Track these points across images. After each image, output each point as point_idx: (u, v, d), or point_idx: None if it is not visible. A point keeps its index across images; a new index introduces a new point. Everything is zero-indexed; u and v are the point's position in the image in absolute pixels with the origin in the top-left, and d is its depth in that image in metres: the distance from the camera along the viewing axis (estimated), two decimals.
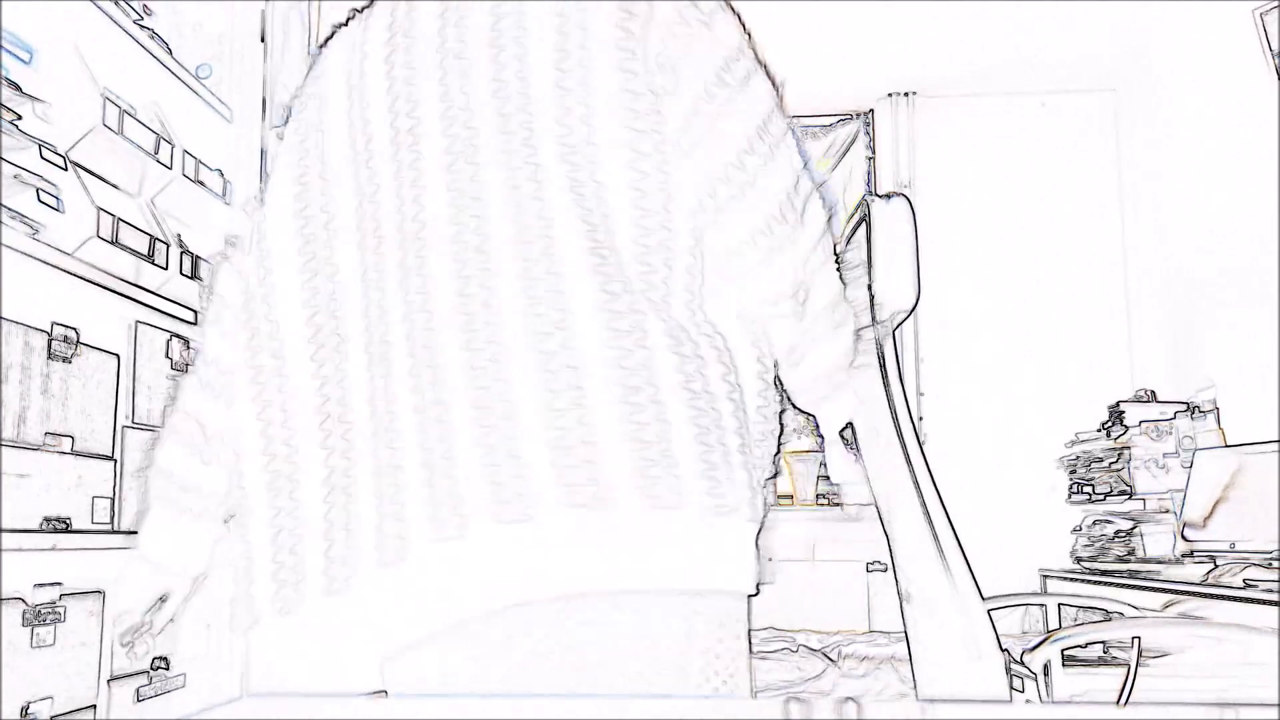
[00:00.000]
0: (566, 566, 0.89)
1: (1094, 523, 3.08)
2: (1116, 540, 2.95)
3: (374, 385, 0.95)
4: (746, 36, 1.03)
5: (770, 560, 0.96)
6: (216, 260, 1.14)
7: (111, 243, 1.73)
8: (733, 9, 1.04)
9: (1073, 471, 3.31)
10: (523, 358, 0.91)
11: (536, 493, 0.88)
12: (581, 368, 0.90)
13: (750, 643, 0.98)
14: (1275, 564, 2.23)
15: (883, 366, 1.42)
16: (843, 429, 1.20)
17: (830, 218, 1.06)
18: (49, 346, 1.60)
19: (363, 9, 1.08)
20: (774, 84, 1.04)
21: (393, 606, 0.91)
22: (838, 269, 1.08)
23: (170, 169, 1.93)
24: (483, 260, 0.93)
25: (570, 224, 0.93)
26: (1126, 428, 3.05)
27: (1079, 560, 3.10)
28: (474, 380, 0.91)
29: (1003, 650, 1.47)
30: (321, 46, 1.13)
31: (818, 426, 1.17)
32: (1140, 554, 2.87)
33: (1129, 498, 3.02)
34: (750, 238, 1.00)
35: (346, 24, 1.09)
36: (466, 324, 0.92)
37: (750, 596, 0.97)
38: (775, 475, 1.04)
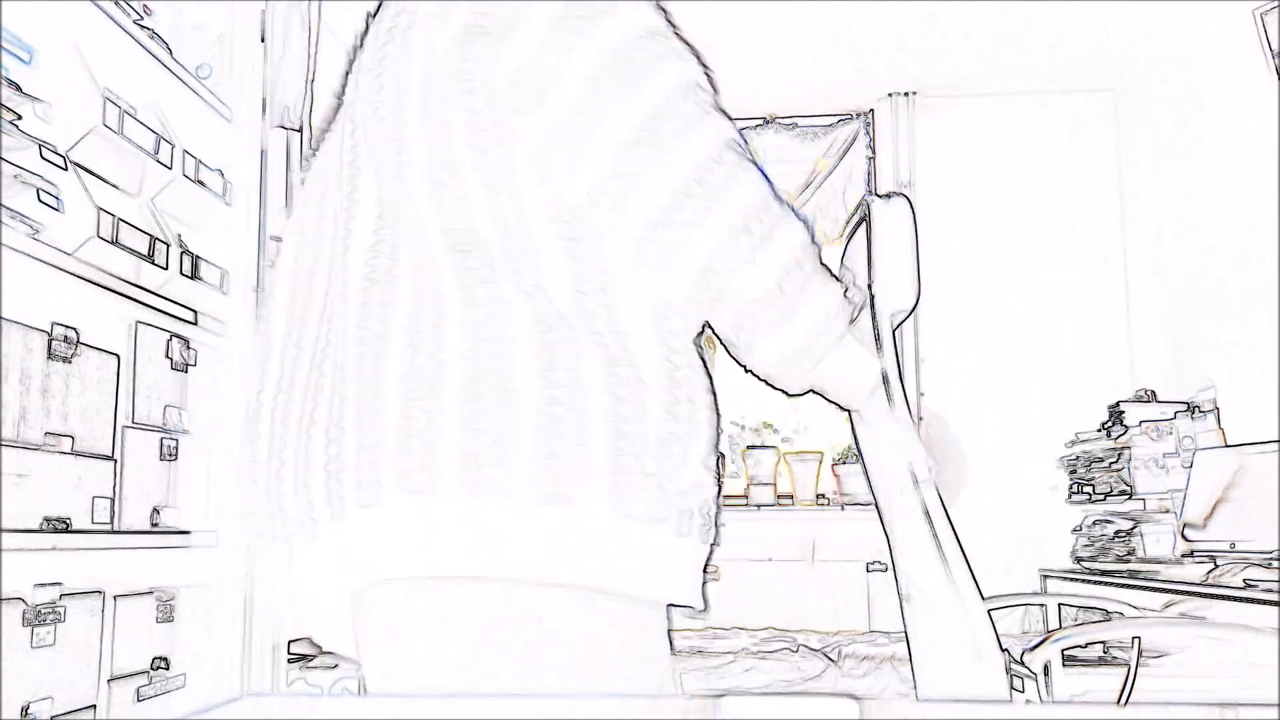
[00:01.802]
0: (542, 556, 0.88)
1: (1094, 523, 3.08)
2: (1116, 540, 2.95)
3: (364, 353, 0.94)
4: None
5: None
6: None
7: (111, 243, 1.73)
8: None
9: (1073, 471, 3.31)
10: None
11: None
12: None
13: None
14: (1275, 564, 2.22)
15: None
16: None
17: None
18: (49, 346, 1.60)
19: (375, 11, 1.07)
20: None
21: (416, 532, 0.88)
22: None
23: (170, 169, 1.93)
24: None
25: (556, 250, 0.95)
26: (1126, 428, 3.05)
27: (1079, 560, 3.10)
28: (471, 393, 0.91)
29: (1003, 650, 1.47)
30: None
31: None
32: (1140, 554, 2.87)
33: (1129, 498, 3.02)
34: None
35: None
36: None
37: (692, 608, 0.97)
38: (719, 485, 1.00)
